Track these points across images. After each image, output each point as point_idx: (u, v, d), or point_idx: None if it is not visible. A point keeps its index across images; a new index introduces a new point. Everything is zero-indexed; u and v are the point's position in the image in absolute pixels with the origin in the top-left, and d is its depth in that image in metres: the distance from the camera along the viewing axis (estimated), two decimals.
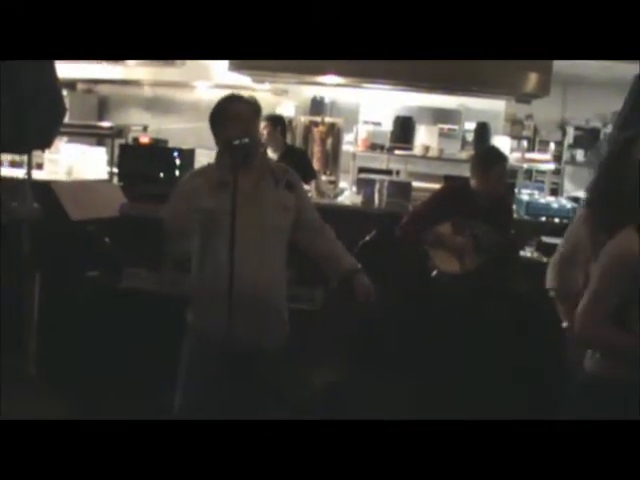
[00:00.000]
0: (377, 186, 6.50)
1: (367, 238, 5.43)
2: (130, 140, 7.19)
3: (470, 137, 8.60)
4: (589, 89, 11.08)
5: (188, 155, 6.22)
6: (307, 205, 3.53)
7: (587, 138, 10.31)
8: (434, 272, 4.85)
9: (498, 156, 4.97)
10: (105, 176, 6.99)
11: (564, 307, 3.37)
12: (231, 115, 3.28)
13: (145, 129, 7.87)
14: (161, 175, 6.03)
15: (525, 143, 9.30)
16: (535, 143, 11.42)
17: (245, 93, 3.47)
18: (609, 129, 10.46)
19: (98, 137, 7.71)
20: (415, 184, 6.97)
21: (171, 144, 6.97)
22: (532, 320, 4.74)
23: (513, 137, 9.48)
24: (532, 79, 6.59)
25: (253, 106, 3.36)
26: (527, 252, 5.56)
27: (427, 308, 4.80)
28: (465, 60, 3.05)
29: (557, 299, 3.46)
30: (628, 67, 6.44)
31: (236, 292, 2.97)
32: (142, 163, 6.17)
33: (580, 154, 10.47)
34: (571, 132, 11.54)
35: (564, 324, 3.41)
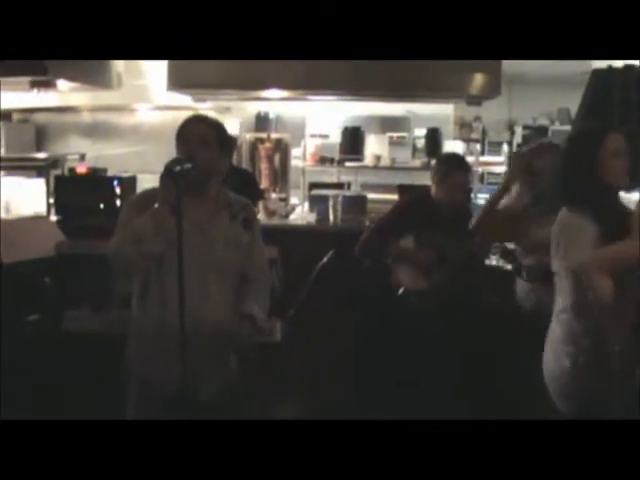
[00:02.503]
0: (331, 202, 6.26)
1: (325, 259, 5.14)
2: (66, 170, 6.83)
3: (420, 144, 8.37)
4: (534, 87, 11.04)
5: (129, 183, 5.92)
6: (257, 249, 3.24)
7: (535, 136, 10.24)
8: (400, 290, 4.60)
9: (457, 163, 4.75)
10: (44, 209, 6.64)
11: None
12: (182, 137, 3.01)
13: (82, 157, 7.52)
14: (101, 206, 5.73)
15: (478, 146, 9.12)
16: (485, 145, 11.33)
17: (187, 113, 3.16)
18: (557, 126, 10.46)
19: (36, 169, 7.36)
20: (368, 196, 6.75)
21: (113, 170, 6.61)
22: (509, 331, 4.46)
23: (462, 140, 9.33)
24: (482, 80, 6.46)
25: (212, 130, 3.05)
26: (492, 260, 5.35)
27: (396, 329, 4.53)
28: (414, 64, 3.03)
29: None
30: (570, 63, 6.29)
31: (182, 330, 2.70)
32: (80, 194, 5.87)
33: None
34: (519, 131, 11.49)
35: None
